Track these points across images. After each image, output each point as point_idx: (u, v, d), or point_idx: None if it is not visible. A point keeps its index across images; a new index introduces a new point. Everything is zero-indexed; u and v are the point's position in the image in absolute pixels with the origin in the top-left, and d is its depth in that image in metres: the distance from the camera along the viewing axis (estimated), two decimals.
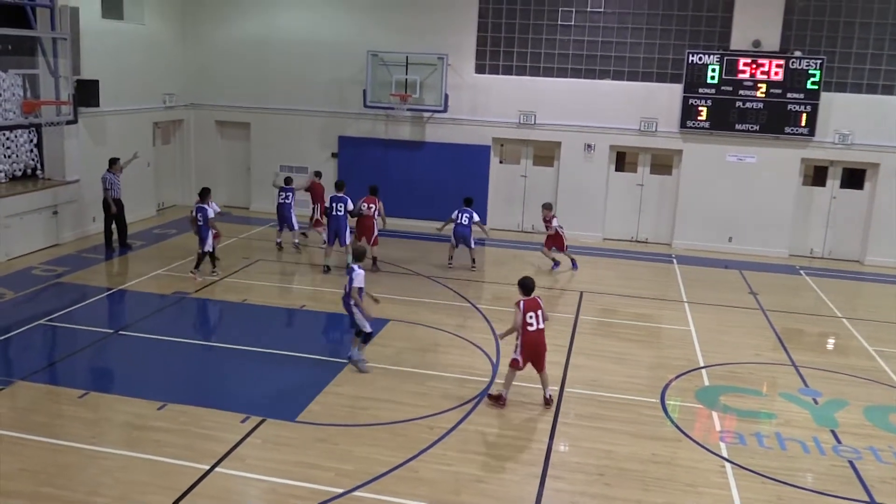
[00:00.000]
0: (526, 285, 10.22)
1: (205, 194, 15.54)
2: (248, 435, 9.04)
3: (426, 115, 20.67)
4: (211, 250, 15.28)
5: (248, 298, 14.26)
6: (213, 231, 15.24)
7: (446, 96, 19.95)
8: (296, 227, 17.61)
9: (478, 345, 12.37)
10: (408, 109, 20.40)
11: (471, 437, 9.32)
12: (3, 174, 16.99)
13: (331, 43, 20.89)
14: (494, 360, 11.70)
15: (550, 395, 10.32)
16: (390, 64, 20.14)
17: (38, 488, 7.84)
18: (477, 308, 14.29)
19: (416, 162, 20.80)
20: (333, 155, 21.49)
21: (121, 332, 12.28)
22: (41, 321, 12.59)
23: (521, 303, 10.07)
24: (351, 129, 21.31)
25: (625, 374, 11.51)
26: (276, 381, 10.75)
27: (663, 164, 20.42)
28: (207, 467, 8.33)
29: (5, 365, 11.13)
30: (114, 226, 17.26)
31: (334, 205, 15.74)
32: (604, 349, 12.56)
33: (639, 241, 20.48)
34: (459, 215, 16.66)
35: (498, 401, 10.21)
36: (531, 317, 10.02)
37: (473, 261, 16.96)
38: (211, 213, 15.18)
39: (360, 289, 10.98)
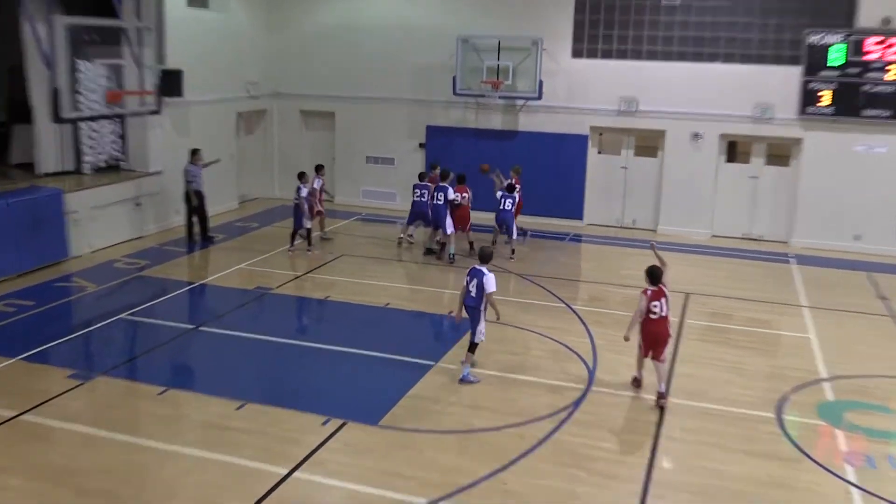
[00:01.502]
0: (653, 274, 10.31)
1: (301, 177, 16.92)
2: (328, 438, 9.05)
3: (519, 102, 20.49)
4: (308, 227, 16.77)
5: (331, 295, 14.37)
6: (312, 210, 16.97)
7: (541, 82, 19.72)
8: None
9: (573, 349, 12.11)
10: (500, 97, 20.28)
11: (565, 448, 9.09)
12: (87, 165, 17.63)
13: (419, 28, 20.96)
14: (591, 366, 11.43)
15: (664, 392, 10.17)
16: (481, 49, 20.08)
17: (115, 488, 8.03)
18: (572, 309, 14.02)
19: (507, 152, 20.59)
20: (421, 145, 21.56)
21: (201, 328, 12.56)
22: (122, 315, 12.99)
23: (648, 291, 10.20)
24: (439, 118, 21.32)
25: (737, 385, 11.04)
26: (358, 382, 10.78)
27: (780, 154, 19.65)
28: (286, 471, 8.36)
29: (86, 359, 11.52)
30: (195, 218, 17.76)
31: (437, 193, 16.54)
32: (713, 357, 12.09)
33: (752, 239, 19.73)
34: (503, 200, 16.96)
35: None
36: (656, 305, 10.16)
37: (513, 251, 17.13)
38: (303, 193, 16.57)
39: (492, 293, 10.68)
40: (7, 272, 14.47)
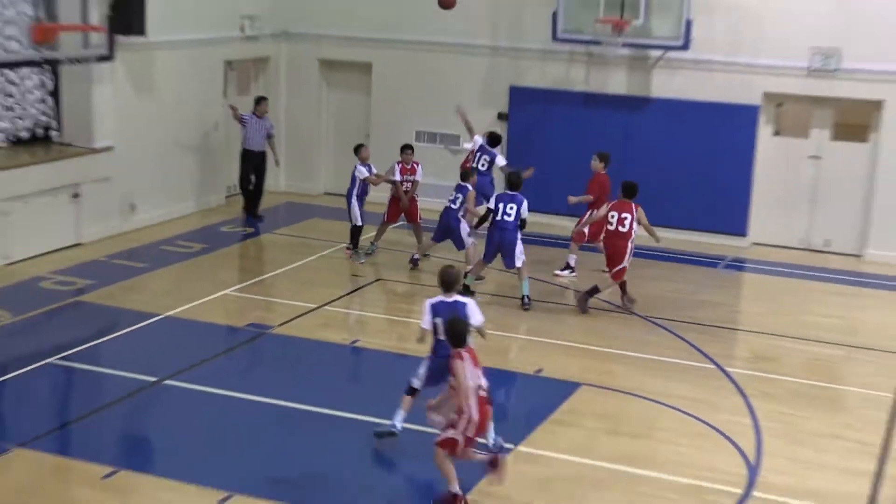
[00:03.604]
0: (626, 188, 15.50)
1: (358, 149, 18.93)
2: None
3: (655, 53, 20.77)
4: (359, 224, 18.38)
5: (360, 339, 14.81)
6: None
7: (688, 23, 19.85)
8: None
9: (725, 433, 12.26)
10: (624, 45, 20.39)
11: None
12: (1, 135, 18.21)
13: None
14: (753, 461, 11.59)
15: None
16: None
17: None
18: (725, 372, 14.18)
19: (634, 130, 20.81)
20: (501, 116, 21.96)
21: (167, 382, 12.93)
22: (51, 359, 13.37)
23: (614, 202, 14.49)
24: (530, 77, 21.71)
25: (850, 479, 11.09)
26: (399, 471, 11.17)
27: None
28: None
29: None
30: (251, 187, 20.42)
31: (501, 206, 16.31)
32: (816, 434, 12.21)
33: None
34: (500, 205, 16.43)
35: None
36: (613, 216, 15.33)
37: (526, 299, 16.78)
38: (364, 174, 18.59)
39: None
40: None
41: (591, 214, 17.69)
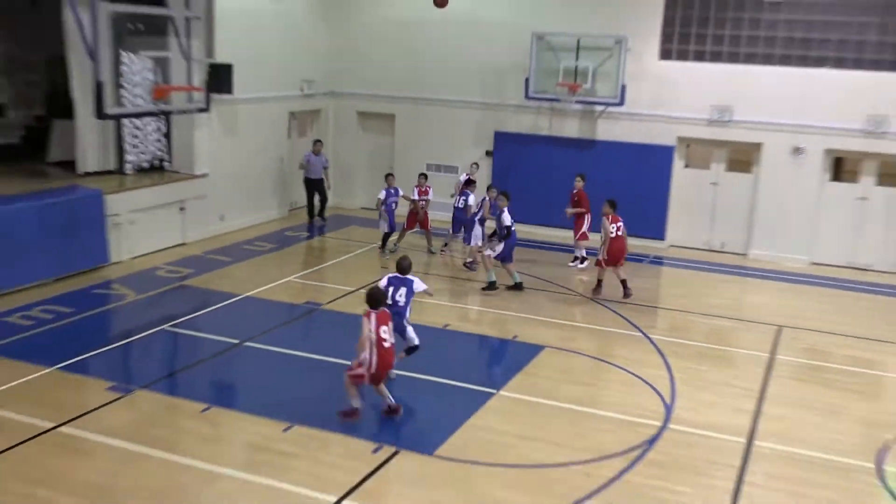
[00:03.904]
0: (612, 204, 15.39)
1: (387, 177, 19.08)
2: (379, 467, 9.40)
3: (599, 108, 20.68)
4: (388, 231, 18.51)
5: None
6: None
7: (623, 87, 19.88)
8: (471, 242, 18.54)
9: (649, 382, 12.29)
10: (577, 101, 20.44)
11: (636, 491, 9.27)
12: (130, 165, 18.33)
13: (489, 23, 21.32)
14: (668, 402, 11.60)
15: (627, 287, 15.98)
16: (558, 48, 20.31)
17: None
18: (649, 338, 14.19)
19: (584, 164, 20.63)
20: (488, 153, 21.90)
21: (246, 343, 13.05)
22: (164, 326, 13.59)
23: (609, 216, 15.37)
24: (510, 124, 21.66)
25: (832, 430, 11.07)
26: (414, 408, 11.10)
27: (893, 173, 19.35)
28: (334, 500, 8.74)
29: (125, 371, 12.18)
30: (316, 200, 20.91)
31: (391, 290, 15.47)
32: (806, 398, 12.13)
33: (858, 269, 19.47)
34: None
35: None
36: (617, 227, 15.47)
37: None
38: (383, 196, 18.62)
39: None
40: (44, 276, 15.20)
41: (587, 224, 18.46)
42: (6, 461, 9.25)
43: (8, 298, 14.39)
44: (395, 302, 11.42)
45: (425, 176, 19.59)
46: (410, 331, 11.74)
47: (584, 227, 18.45)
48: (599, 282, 16.45)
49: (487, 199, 17.78)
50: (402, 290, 11.57)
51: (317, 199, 21.33)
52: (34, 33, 20.35)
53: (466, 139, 22.08)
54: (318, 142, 21.19)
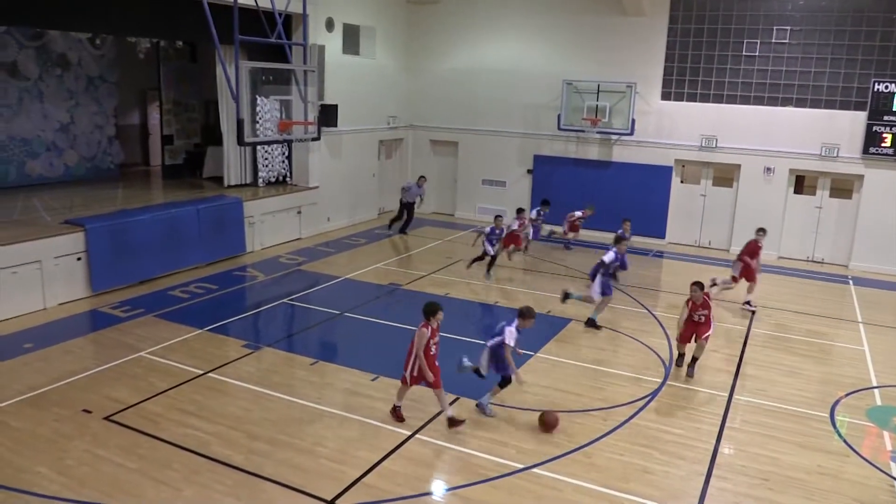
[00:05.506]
0: (698, 285, 10.97)
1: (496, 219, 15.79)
2: (441, 411, 9.26)
3: (614, 137, 20.27)
4: (486, 255, 15.62)
5: (450, 293, 14.67)
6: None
7: (633, 121, 19.50)
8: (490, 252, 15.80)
9: (653, 348, 11.98)
10: (597, 132, 20.13)
11: (641, 431, 9.05)
12: (262, 180, 18.56)
13: (530, 73, 21.04)
14: (667, 364, 11.29)
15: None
16: (583, 91, 20.00)
17: (276, 435, 8.53)
18: (653, 314, 13.84)
19: (603, 179, 20.48)
20: (529, 171, 21.61)
21: (345, 314, 13.06)
22: (284, 300, 13.67)
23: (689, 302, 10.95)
24: (545, 149, 21.32)
25: (794, 387, 10.68)
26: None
27: (843, 188, 18.71)
28: (409, 433, 8.68)
29: (255, 333, 12.20)
30: (405, 216, 19.81)
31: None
32: (775, 362, 11.71)
33: (814, 262, 18.89)
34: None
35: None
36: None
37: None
38: (487, 230, 15.65)
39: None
40: (198, 262, 15.42)
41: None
42: (170, 397, 9.38)
43: (173, 277, 14.63)
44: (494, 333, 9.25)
45: (524, 210, 17.19)
46: (509, 367, 9.10)
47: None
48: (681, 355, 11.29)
49: (518, 220, 16.38)
50: (501, 326, 9.18)
51: (405, 216, 20.16)
52: (194, 83, 20.72)
53: (512, 160, 21.78)
54: (422, 177, 20.08)
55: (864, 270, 18.08)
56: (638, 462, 8.31)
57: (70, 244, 13.01)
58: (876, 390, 10.72)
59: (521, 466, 8.06)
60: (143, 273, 14.19)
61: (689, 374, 10.81)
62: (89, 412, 8.89)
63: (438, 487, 7.69)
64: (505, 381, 9.28)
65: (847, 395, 10.46)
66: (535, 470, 8.01)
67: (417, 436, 8.64)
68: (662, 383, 10.57)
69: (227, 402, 9.35)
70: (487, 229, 15.74)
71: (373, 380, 10.13)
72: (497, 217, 15.87)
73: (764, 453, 8.64)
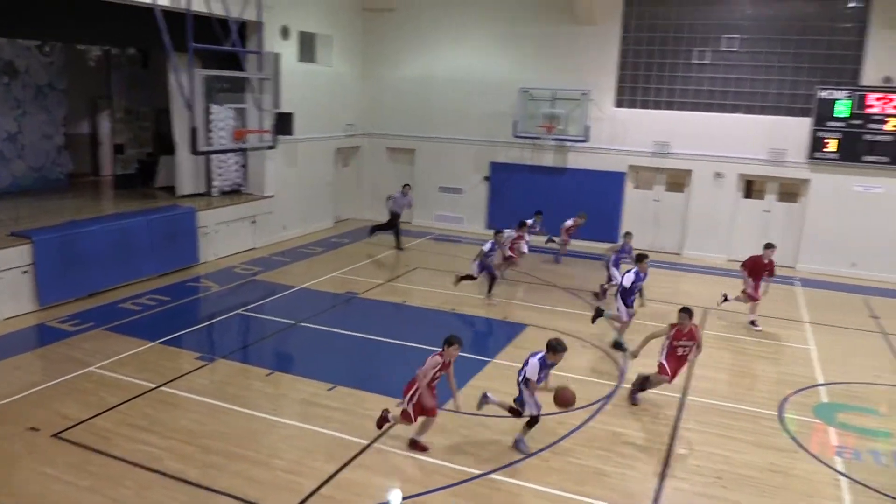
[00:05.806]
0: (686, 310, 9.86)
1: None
2: None
3: (569, 144, 20.46)
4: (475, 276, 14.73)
5: (406, 300, 14.65)
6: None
7: (587, 127, 19.72)
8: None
9: (606, 351, 12.12)
10: (552, 139, 20.31)
11: (596, 434, 9.16)
12: (216, 189, 18.27)
13: (486, 80, 21.16)
14: (622, 366, 11.43)
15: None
16: (538, 99, 20.17)
17: (231, 448, 8.40)
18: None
19: (558, 186, 20.68)
20: (485, 178, 21.72)
21: (301, 324, 12.93)
22: (239, 311, 13.49)
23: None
24: (501, 156, 21.45)
25: (744, 387, 10.93)
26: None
27: (790, 192, 19.22)
28: (367, 442, 8.63)
29: (209, 345, 12.02)
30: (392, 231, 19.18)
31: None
32: (726, 363, 11.97)
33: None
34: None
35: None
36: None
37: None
38: (486, 247, 14.62)
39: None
40: (150, 273, 15.12)
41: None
42: (121, 412, 9.18)
43: (124, 290, 14.33)
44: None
45: (524, 224, 16.56)
46: (527, 403, 8.64)
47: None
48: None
49: (497, 243, 14.90)
50: (527, 358, 8.73)
51: (392, 227, 19.21)
52: (146, 91, 20.36)
53: (469, 167, 21.86)
54: (406, 185, 19.56)
55: (811, 272, 18.57)
56: (594, 465, 8.39)
57: (16, 257, 12.66)
58: (822, 388, 11.01)
59: (479, 472, 8.07)
60: (92, 286, 13.87)
61: (634, 402, 10.01)
62: (37, 430, 8.65)
63: (396, 496, 7.66)
64: (533, 420, 8.54)
65: (795, 393, 10.72)
66: (493, 476, 8.04)
67: (375, 445, 8.59)
68: (617, 385, 10.69)
69: (180, 415, 9.18)
70: (487, 246, 14.59)
71: (329, 389, 10.05)
72: (497, 232, 14.99)
73: (717, 452, 8.81)
